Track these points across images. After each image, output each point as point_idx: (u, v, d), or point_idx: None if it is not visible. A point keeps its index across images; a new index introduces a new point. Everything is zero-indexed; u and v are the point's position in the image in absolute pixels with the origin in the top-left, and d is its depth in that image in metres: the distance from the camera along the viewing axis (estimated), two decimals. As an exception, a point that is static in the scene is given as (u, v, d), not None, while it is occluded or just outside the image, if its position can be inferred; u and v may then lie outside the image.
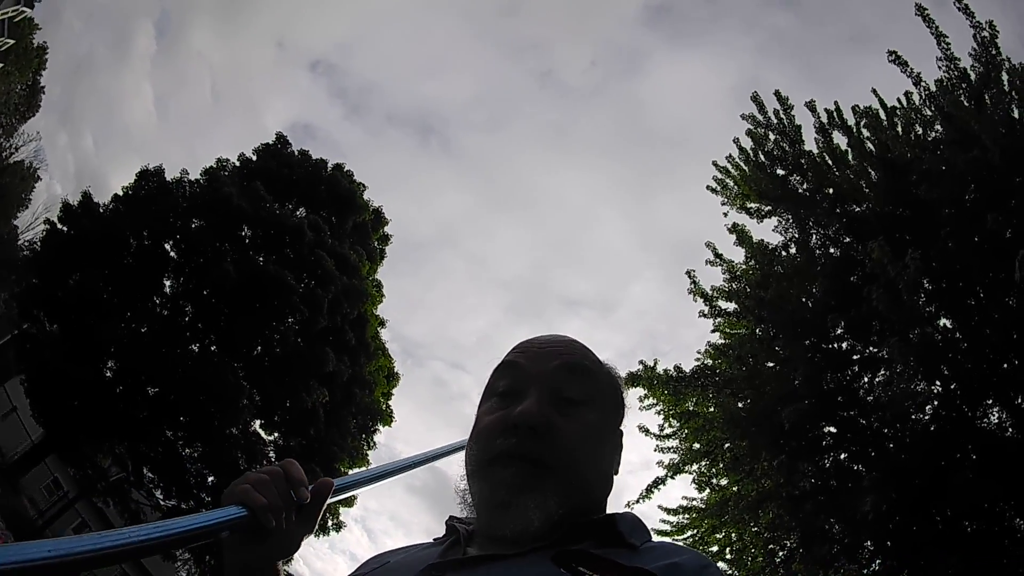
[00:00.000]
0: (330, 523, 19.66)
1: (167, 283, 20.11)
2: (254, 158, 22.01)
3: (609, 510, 1.12)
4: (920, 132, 7.88)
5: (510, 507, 1.01)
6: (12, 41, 31.55)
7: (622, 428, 1.23)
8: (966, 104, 7.05)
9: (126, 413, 17.66)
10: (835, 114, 8.36)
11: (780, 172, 8.73)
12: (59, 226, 20.09)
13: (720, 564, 8.26)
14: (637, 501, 8.30)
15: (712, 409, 8.31)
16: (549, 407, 1.08)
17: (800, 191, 8.49)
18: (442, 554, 1.06)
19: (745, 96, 8.81)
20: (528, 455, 1.03)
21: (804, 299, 7.82)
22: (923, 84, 7.67)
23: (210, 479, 19.44)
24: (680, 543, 1.20)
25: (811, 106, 8.52)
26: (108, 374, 18.50)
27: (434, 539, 1.19)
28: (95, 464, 19.99)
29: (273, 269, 18.81)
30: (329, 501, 1.09)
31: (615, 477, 1.18)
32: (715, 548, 8.42)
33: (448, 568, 0.98)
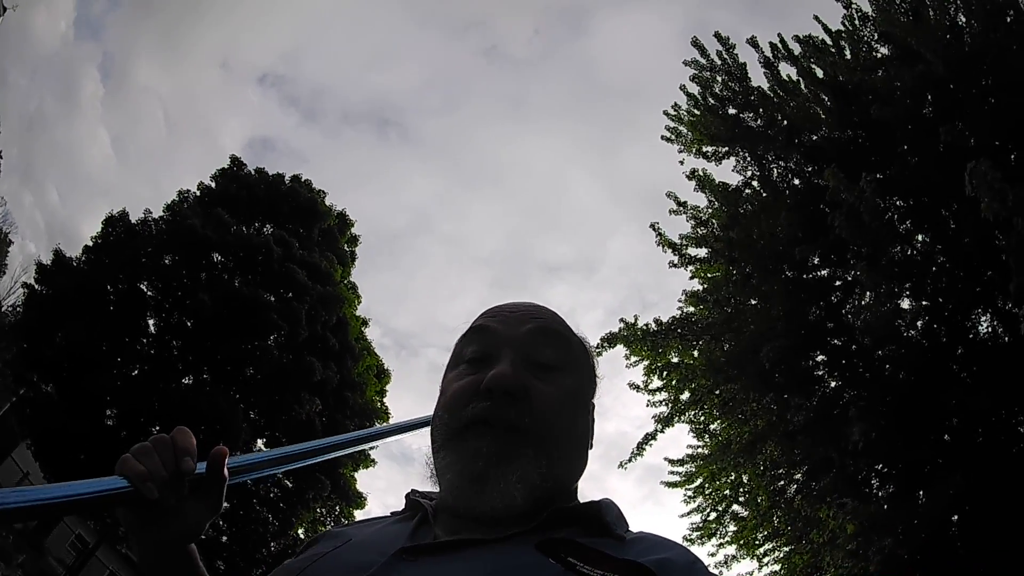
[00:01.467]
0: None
1: (150, 322, 20.22)
2: (213, 185, 22.05)
3: (591, 486, 1.07)
4: (866, 53, 7.84)
5: (488, 480, 0.93)
6: (-40, 116, 30.97)
7: (594, 402, 1.15)
8: (903, 20, 6.99)
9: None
10: (780, 46, 8.33)
11: (731, 111, 8.68)
12: (37, 287, 20.10)
13: (734, 507, 8.48)
14: (629, 460, 8.31)
15: (697, 356, 8.32)
16: (524, 371, 1.01)
17: (754, 127, 8.44)
18: (412, 535, 0.96)
19: (692, 35, 8.77)
20: (504, 420, 0.96)
21: (772, 234, 7.77)
22: (854, 5, 7.65)
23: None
24: (662, 534, 0.95)
25: (753, 42, 8.51)
26: (110, 422, 18.49)
27: (392, 513, 1.13)
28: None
29: (247, 290, 19.01)
30: (254, 477, 1.06)
31: (590, 453, 1.10)
32: (727, 492, 8.52)
33: (422, 552, 0.89)
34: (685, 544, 0.90)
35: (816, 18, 8.26)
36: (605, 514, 0.95)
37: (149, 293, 20.16)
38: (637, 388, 8.69)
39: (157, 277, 19.94)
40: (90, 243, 20.56)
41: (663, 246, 8.76)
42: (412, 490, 1.10)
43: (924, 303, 7.17)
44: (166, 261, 19.94)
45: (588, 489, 1.07)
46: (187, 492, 0.92)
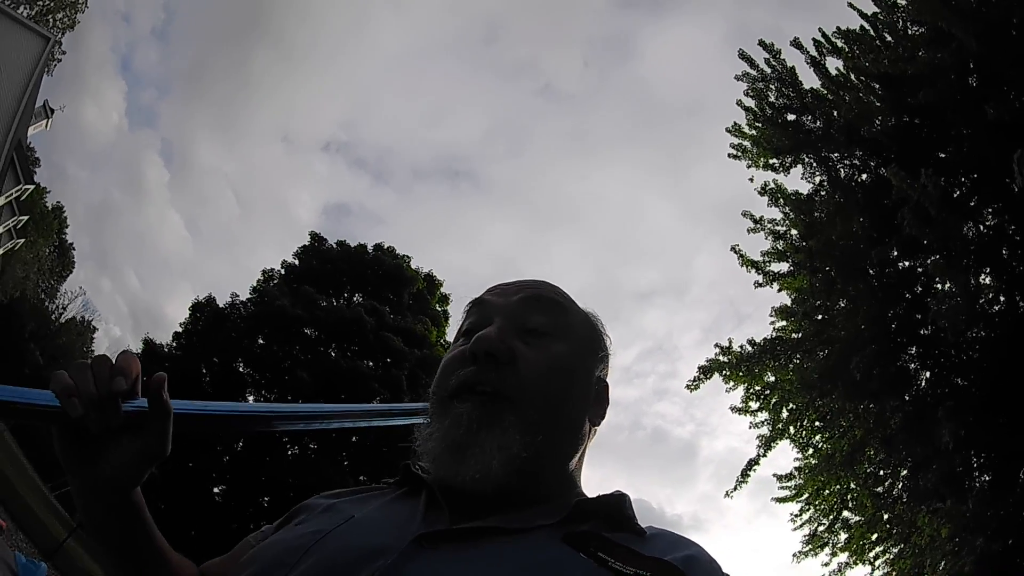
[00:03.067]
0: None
1: (250, 399, 20.20)
2: (296, 262, 22.38)
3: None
4: (903, 37, 7.69)
5: (467, 449, 0.90)
6: (26, 217, 32.64)
7: (605, 378, 1.10)
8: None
9: (241, 528, 18.02)
10: (824, 41, 8.26)
11: (791, 118, 8.63)
12: None
13: (845, 513, 8.27)
14: (735, 488, 8.28)
15: (792, 374, 8.23)
16: (511, 335, 0.99)
17: (814, 130, 8.36)
18: (425, 519, 0.90)
19: (737, 42, 8.75)
20: (487, 385, 0.94)
21: (850, 238, 7.65)
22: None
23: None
24: (679, 532, 0.93)
25: (797, 43, 8.43)
26: (218, 499, 18.87)
27: (384, 483, 1.11)
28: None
29: (345, 362, 19.08)
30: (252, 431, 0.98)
31: (595, 429, 1.07)
32: (835, 500, 8.38)
33: (442, 540, 0.84)
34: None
35: (851, 5, 8.14)
36: (627, 507, 0.93)
37: (245, 371, 20.45)
38: (739, 411, 8.64)
39: (251, 358, 20.25)
40: (179, 329, 21.20)
41: (746, 266, 8.74)
42: (411, 462, 1.05)
43: (1004, 277, 6.91)
44: (260, 341, 20.30)
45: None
46: (121, 421, 0.85)
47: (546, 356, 0.98)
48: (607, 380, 1.11)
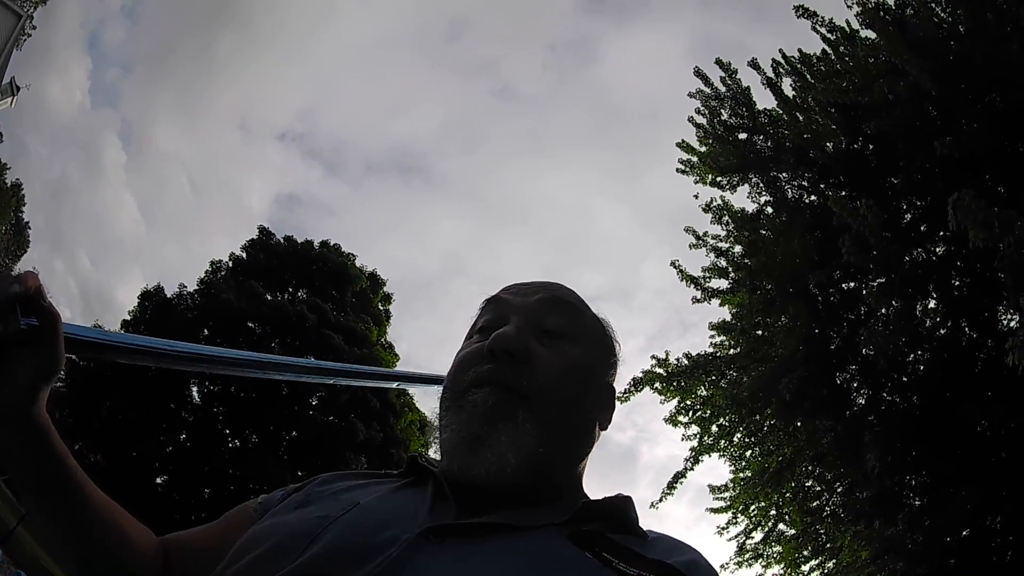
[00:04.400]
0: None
1: (194, 390, 20.55)
2: (244, 255, 22.42)
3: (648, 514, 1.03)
4: (862, 64, 7.83)
5: (482, 441, 0.89)
6: (-15, 191, 31.69)
7: (613, 383, 1.11)
8: (891, 31, 6.99)
9: (183, 519, 18.00)
10: (782, 62, 8.39)
11: (741, 137, 8.74)
12: (78, 360, 20.41)
13: (780, 526, 8.40)
14: (660, 500, 8.35)
15: (725, 389, 8.33)
16: (528, 335, 0.98)
17: (764, 150, 8.49)
18: (432, 511, 0.88)
19: (700, 52, 8.85)
20: (503, 381, 0.93)
21: (792, 258, 7.77)
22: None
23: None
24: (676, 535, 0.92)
25: (755, 64, 8.56)
26: (160, 488, 18.85)
27: (385, 473, 1.08)
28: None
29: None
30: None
31: (603, 434, 1.07)
32: (772, 512, 8.49)
33: (449, 534, 0.82)
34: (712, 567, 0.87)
35: (814, 29, 8.23)
36: (632, 511, 0.93)
37: None
38: (672, 423, 8.70)
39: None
40: (128, 317, 21.21)
41: (685, 281, 8.82)
42: (418, 454, 1.04)
43: (949, 303, 7.12)
44: (205, 332, 20.25)
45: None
46: (17, 328, 0.83)
47: (563, 358, 0.98)
48: (615, 385, 1.11)
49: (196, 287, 21.41)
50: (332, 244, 23.21)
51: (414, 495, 0.93)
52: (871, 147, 7.54)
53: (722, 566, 8.48)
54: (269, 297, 20.90)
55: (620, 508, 0.91)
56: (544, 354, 0.96)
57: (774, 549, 8.48)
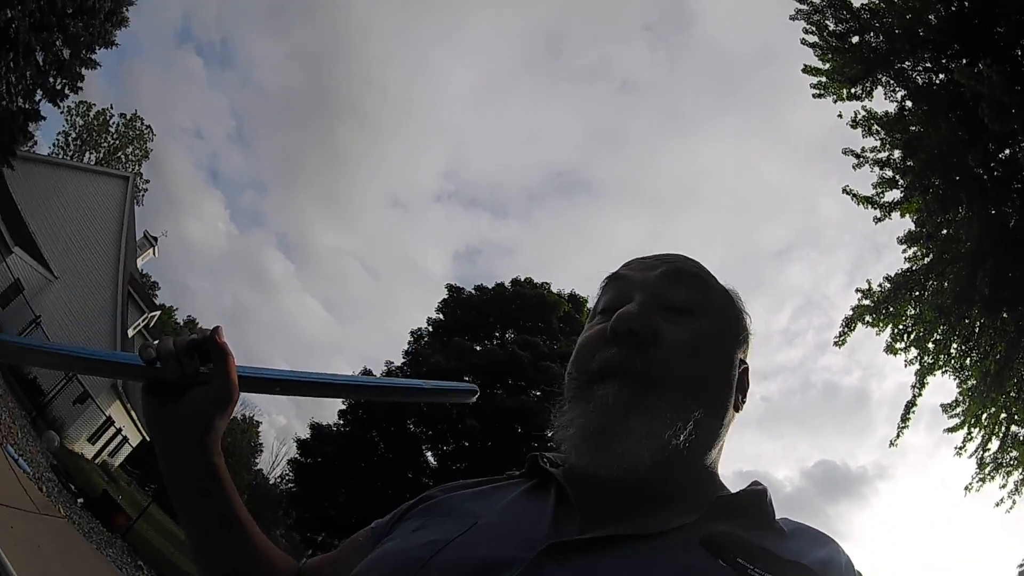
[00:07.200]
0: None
1: (429, 455, 21.19)
2: (441, 316, 23.00)
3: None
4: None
5: (613, 436, 0.84)
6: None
7: (746, 361, 1.01)
8: None
9: None
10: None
11: (855, 40, 8.30)
12: (302, 459, 21.49)
13: (1014, 428, 7.68)
14: (897, 436, 8.06)
15: (929, 300, 7.91)
16: (653, 312, 0.92)
17: (879, 47, 7.99)
18: (554, 524, 0.84)
19: None
20: (632, 368, 0.87)
21: (946, 146, 7.23)
22: None
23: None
24: (815, 526, 0.84)
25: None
26: None
27: (507, 475, 1.06)
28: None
29: (511, 400, 19.37)
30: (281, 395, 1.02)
31: (736, 417, 0.98)
32: (1002, 416, 7.99)
33: (572, 551, 0.77)
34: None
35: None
36: (768, 504, 0.86)
37: (416, 430, 21.01)
38: (892, 351, 8.34)
39: (420, 416, 20.71)
40: (343, 406, 21.80)
41: (862, 204, 8.45)
42: (539, 454, 1.01)
43: None
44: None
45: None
46: (194, 370, 0.93)
47: (692, 334, 0.91)
48: (748, 363, 1.02)
49: (402, 360, 22.07)
50: (524, 280, 23.64)
51: (536, 502, 0.90)
52: (966, 3, 6.88)
53: (965, 488, 8.11)
54: (478, 348, 21.43)
55: (756, 503, 0.85)
56: (671, 332, 0.90)
57: (1010, 455, 7.95)
